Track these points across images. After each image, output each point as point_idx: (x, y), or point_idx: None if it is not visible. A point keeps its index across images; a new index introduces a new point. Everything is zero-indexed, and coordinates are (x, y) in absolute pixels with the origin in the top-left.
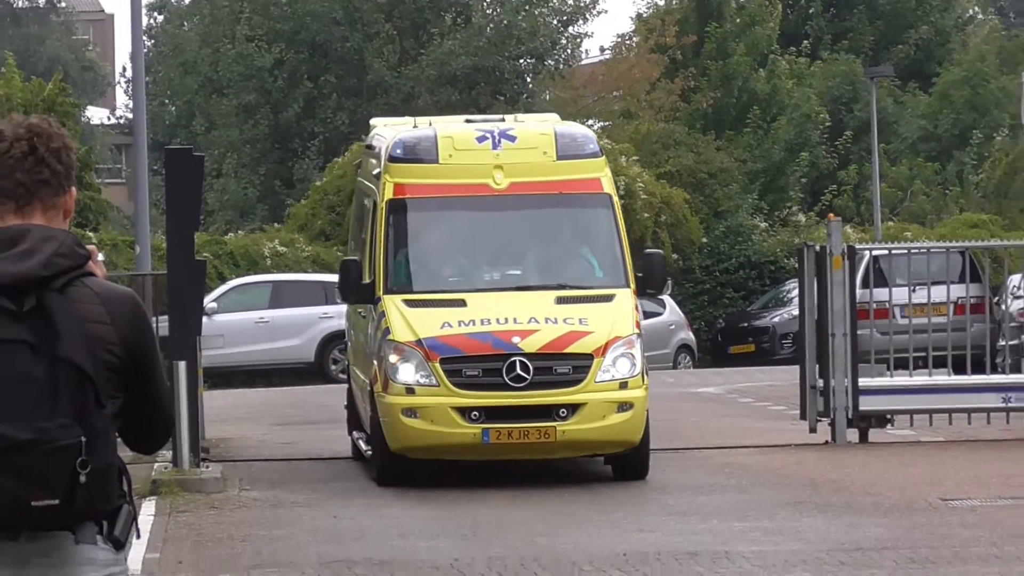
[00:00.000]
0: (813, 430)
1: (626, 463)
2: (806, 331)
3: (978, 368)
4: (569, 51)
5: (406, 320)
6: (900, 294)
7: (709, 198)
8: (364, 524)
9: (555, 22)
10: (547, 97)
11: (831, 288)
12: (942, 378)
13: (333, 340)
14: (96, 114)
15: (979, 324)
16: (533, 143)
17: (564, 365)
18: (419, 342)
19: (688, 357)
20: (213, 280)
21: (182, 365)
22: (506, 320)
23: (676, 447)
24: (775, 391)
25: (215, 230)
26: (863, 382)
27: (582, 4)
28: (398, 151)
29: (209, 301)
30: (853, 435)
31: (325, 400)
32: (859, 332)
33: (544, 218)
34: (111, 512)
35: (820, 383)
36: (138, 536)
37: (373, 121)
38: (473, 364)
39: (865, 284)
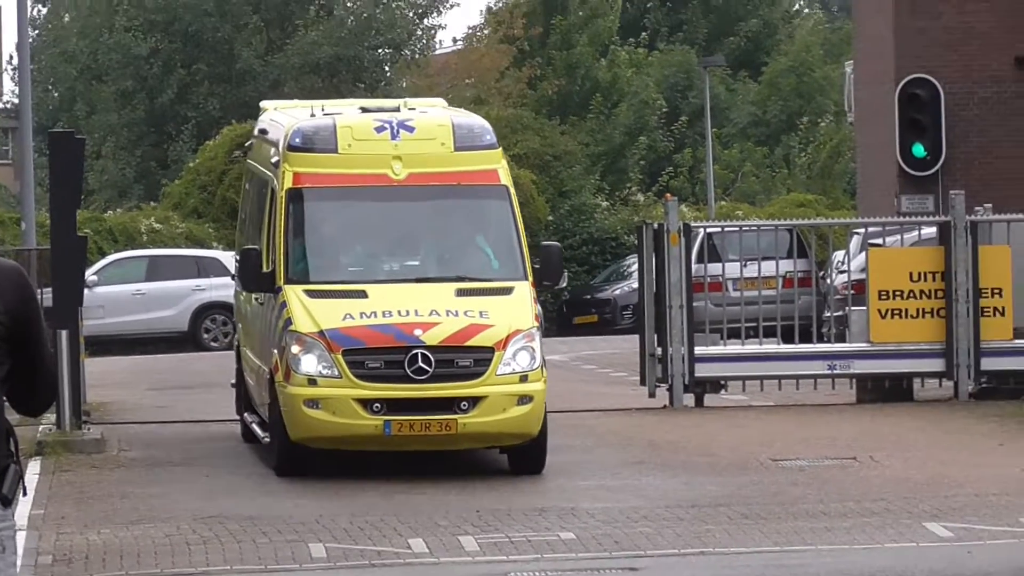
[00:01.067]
0: (652, 395)
1: (524, 455)
2: (645, 303)
3: (805, 337)
4: (424, 42)
5: (308, 311)
6: (732, 268)
7: (555, 179)
8: (234, 482)
9: (411, 14)
10: (404, 85)
11: (668, 263)
12: (772, 347)
13: (205, 311)
14: None
15: (806, 296)
16: (431, 134)
17: (466, 358)
18: (321, 333)
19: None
20: (93, 255)
21: (64, 334)
22: (408, 312)
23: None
24: (616, 359)
25: (95, 208)
26: (698, 350)
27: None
28: (297, 140)
29: (90, 274)
30: (689, 400)
31: (198, 367)
32: (695, 304)
33: (442, 209)
34: None
35: (659, 351)
36: (24, 493)
37: (264, 104)
38: (375, 356)
39: (700, 259)
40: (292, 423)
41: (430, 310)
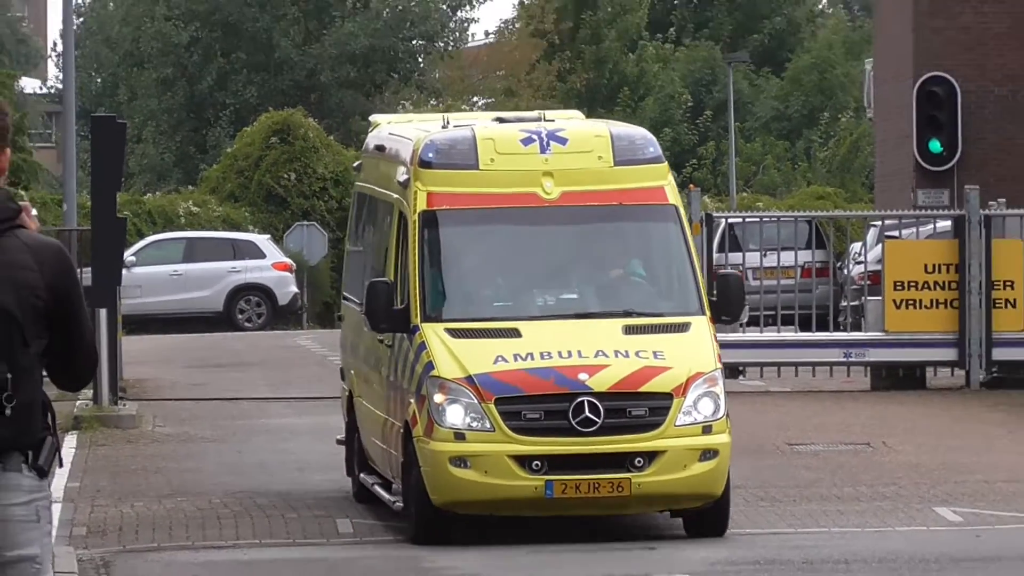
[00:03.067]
0: None
1: (703, 517)
2: None
3: (822, 326)
4: (457, 34)
5: (452, 353)
6: (753, 258)
7: None
8: (265, 459)
9: (445, 7)
10: (437, 76)
11: None
12: (790, 334)
13: (240, 292)
14: (29, 84)
15: (823, 286)
16: (587, 146)
17: (640, 407)
18: (470, 379)
19: None
20: (132, 236)
21: (103, 312)
22: (569, 353)
23: None
24: None
25: (135, 191)
26: (718, 337)
27: None
28: (430, 155)
29: (128, 255)
30: None
31: (233, 346)
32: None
33: (602, 233)
34: (36, 443)
35: None
36: (60, 465)
37: (375, 118)
38: (534, 405)
39: (721, 248)
40: (435, 485)
41: (595, 351)
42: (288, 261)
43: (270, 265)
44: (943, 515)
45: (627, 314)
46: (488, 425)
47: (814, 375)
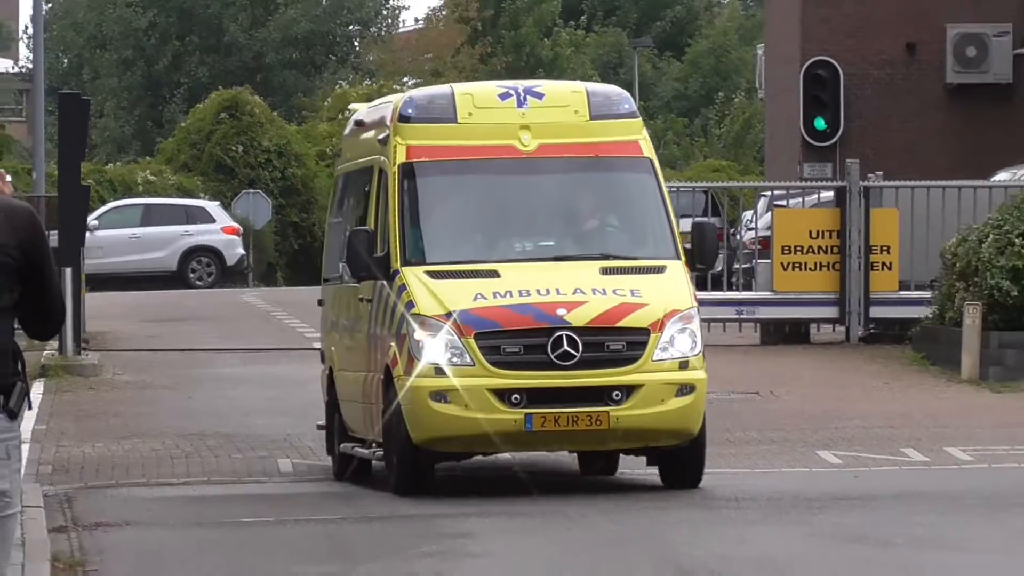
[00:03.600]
0: None
1: (679, 463)
2: None
3: (717, 286)
4: (389, 20)
5: (432, 292)
6: None
7: None
8: (214, 404)
9: None
10: (371, 58)
11: None
12: None
13: (192, 253)
14: (2, 64)
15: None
16: (562, 100)
17: (617, 341)
18: (449, 315)
19: None
20: (95, 202)
21: (68, 271)
22: (548, 291)
23: None
24: None
25: (97, 161)
26: None
27: None
28: (409, 110)
29: (91, 219)
30: None
31: (186, 302)
32: None
33: (578, 183)
34: (7, 387)
35: None
36: (30, 408)
37: (354, 106)
38: (513, 340)
39: None
40: (415, 422)
41: (573, 288)
42: (236, 225)
43: (219, 229)
44: (825, 458)
45: (604, 257)
46: (468, 360)
47: (709, 331)
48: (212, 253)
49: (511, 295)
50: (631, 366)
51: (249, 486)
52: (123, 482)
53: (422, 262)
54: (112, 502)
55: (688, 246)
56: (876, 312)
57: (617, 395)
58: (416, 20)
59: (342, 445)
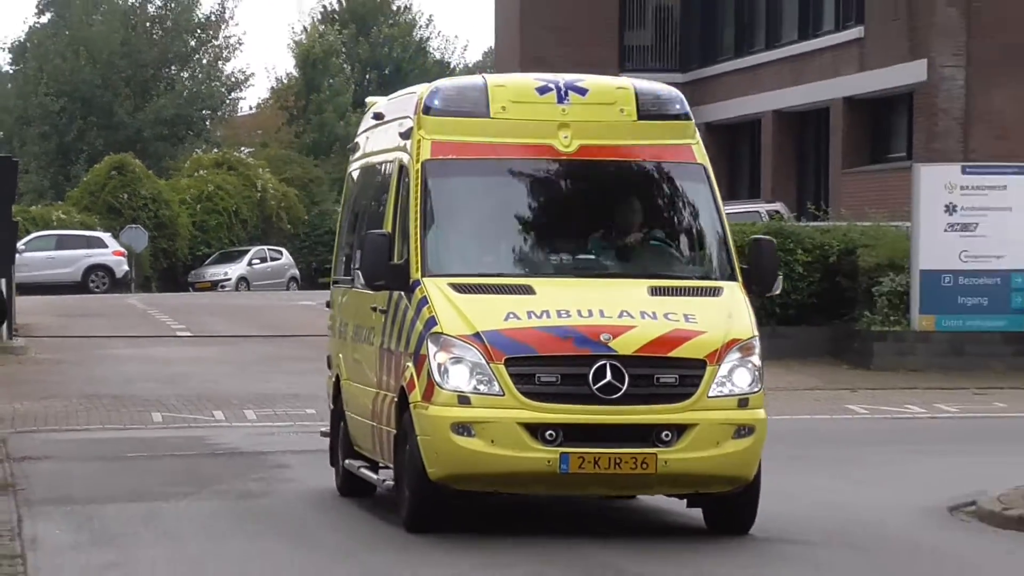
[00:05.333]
0: None
1: (729, 507)
2: None
3: None
4: (232, 107)
5: (457, 308)
6: None
7: (310, 194)
8: (107, 374)
9: (224, 89)
10: (219, 133)
11: None
12: None
13: (92, 269)
14: None
15: None
16: (608, 97)
17: (669, 373)
18: (477, 336)
19: (295, 284)
20: (22, 232)
21: (3, 281)
22: (590, 312)
23: (277, 332)
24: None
25: (23, 205)
26: None
27: (240, 79)
28: (435, 101)
29: (20, 245)
30: None
31: (88, 304)
32: None
33: (624, 191)
34: None
35: None
36: None
37: (372, 99)
38: (550, 367)
39: None
40: (434, 456)
41: (619, 311)
42: (122, 250)
43: (111, 252)
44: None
45: (653, 276)
46: (497, 388)
47: None
48: (106, 269)
49: (548, 315)
50: (684, 403)
51: (132, 431)
52: (43, 429)
53: (446, 273)
54: (35, 443)
55: (745, 266)
56: None
57: (667, 435)
58: (250, 107)
59: (347, 461)
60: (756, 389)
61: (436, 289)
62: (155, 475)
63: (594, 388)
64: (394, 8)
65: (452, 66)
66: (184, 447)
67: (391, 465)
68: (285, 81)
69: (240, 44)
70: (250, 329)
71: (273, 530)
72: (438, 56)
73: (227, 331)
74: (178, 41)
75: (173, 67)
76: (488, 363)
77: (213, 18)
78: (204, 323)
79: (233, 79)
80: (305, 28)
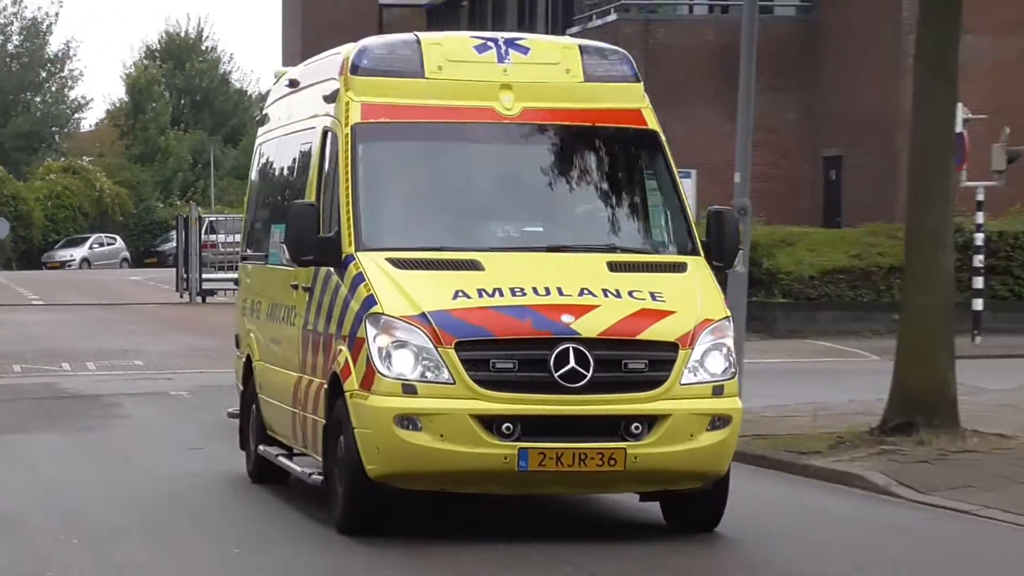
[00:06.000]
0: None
1: (696, 504)
2: (179, 252)
3: None
4: (77, 124)
5: (398, 286)
6: (221, 237)
7: (137, 193)
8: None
9: (69, 111)
10: (66, 146)
11: (189, 235)
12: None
13: None
14: None
15: None
16: (551, 57)
17: (638, 359)
18: (423, 317)
19: (126, 264)
20: None
21: None
22: (547, 291)
23: (112, 301)
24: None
25: None
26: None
27: (82, 103)
28: (364, 60)
29: None
30: (198, 300)
31: None
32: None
33: (571, 157)
34: None
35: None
36: None
37: (281, 69)
38: (506, 352)
39: (207, 232)
40: (374, 451)
41: (579, 288)
42: None
43: None
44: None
45: (610, 249)
46: (446, 376)
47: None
48: None
49: (500, 294)
50: (654, 391)
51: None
52: None
53: (383, 247)
54: None
55: (704, 239)
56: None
57: (637, 428)
58: (90, 125)
59: (261, 448)
60: (730, 375)
61: (373, 265)
62: (13, 414)
63: (556, 375)
64: (203, 48)
65: (249, 94)
66: (38, 392)
67: (316, 456)
68: (118, 105)
69: (82, 75)
70: (91, 299)
71: (111, 457)
72: (238, 85)
73: (73, 300)
74: (32, 72)
75: (29, 93)
76: (436, 347)
77: (60, 55)
78: (55, 294)
79: (76, 103)
80: (134, 63)
